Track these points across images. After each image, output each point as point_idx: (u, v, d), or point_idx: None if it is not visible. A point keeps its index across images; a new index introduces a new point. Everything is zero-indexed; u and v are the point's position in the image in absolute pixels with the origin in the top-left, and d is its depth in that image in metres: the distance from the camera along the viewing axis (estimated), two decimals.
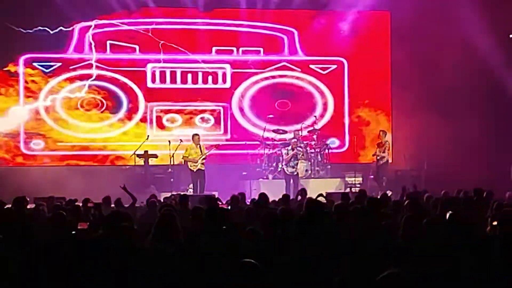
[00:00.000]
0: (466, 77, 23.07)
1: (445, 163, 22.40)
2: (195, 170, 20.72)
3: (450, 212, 8.91)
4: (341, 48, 24.59)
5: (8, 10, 22.36)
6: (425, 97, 23.47)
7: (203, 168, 20.78)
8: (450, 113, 23.05)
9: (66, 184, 19.99)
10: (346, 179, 22.50)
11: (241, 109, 24.50)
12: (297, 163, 21.00)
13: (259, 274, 4.77)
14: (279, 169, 21.41)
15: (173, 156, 21.30)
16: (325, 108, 24.86)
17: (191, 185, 21.09)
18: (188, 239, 7.62)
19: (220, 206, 11.56)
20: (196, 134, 21.38)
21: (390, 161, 22.58)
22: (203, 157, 20.71)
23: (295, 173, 20.91)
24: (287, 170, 20.87)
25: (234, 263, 4.79)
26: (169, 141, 21.64)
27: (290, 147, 21.19)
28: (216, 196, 16.45)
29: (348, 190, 19.87)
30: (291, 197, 15.31)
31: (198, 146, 20.89)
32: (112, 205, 13.75)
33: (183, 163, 21.17)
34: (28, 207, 13.05)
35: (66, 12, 22.13)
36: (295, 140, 21.44)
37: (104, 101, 23.65)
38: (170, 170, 21.68)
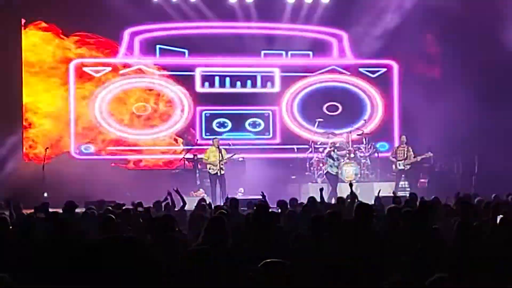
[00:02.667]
0: None
1: (496, 165, 21.99)
2: (213, 173, 20.63)
3: (501, 215, 8.78)
4: (391, 51, 24.29)
5: (59, 14, 22.59)
6: (479, 94, 22.88)
7: (222, 173, 20.57)
8: (504, 111, 22.40)
9: (117, 187, 20.03)
10: (400, 183, 22.03)
11: (291, 113, 24.47)
12: (339, 164, 20.92)
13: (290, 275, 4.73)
14: (324, 172, 21.23)
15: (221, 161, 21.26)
16: (375, 112, 24.70)
17: (241, 189, 21.10)
18: (235, 243, 7.62)
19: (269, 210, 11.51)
20: (216, 138, 21.40)
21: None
22: (224, 161, 20.61)
23: (334, 173, 20.77)
24: (332, 171, 20.73)
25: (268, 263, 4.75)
26: (219, 147, 21.35)
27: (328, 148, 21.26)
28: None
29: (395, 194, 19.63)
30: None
31: (218, 150, 20.64)
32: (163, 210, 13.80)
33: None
34: (79, 211, 13.17)
35: (116, 16, 22.26)
36: (333, 142, 21.51)
37: (153, 105, 23.81)
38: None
